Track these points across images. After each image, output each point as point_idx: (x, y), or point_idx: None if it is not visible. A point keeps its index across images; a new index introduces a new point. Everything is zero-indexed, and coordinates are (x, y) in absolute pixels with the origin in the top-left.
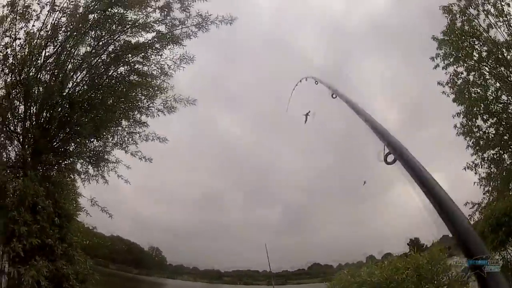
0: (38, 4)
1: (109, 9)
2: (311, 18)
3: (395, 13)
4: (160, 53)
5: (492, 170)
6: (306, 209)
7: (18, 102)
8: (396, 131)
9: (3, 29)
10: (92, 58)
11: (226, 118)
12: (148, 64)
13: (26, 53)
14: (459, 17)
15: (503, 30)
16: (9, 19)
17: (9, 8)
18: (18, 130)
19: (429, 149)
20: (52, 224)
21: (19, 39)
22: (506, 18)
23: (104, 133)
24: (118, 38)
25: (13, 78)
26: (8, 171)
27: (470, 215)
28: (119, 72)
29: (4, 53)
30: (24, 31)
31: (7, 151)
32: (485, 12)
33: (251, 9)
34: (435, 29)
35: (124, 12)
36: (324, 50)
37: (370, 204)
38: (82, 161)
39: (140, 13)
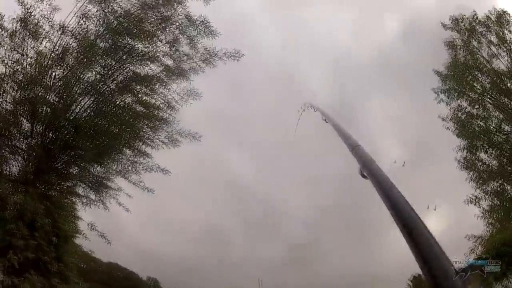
0: (50, 25)
1: (119, 39)
2: (317, 54)
3: (402, 49)
4: (167, 87)
5: (495, 202)
6: (309, 246)
7: (24, 120)
8: (402, 168)
9: (14, 44)
10: (100, 86)
11: (231, 153)
12: (154, 96)
13: (35, 72)
14: (462, 51)
15: (506, 59)
16: (20, 35)
17: (21, 24)
18: (23, 147)
19: (435, 185)
20: (49, 242)
21: (30, 57)
22: (509, 46)
23: (107, 160)
24: (127, 68)
25: (21, 95)
26: (10, 184)
27: (472, 249)
28: (125, 102)
29: (14, 69)
30: (35, 50)
31: (10, 165)
32: (487, 43)
33: (258, 46)
34: (442, 65)
35: (134, 43)
36: (330, 87)
37: (374, 240)
38: (83, 185)
39: (149, 45)
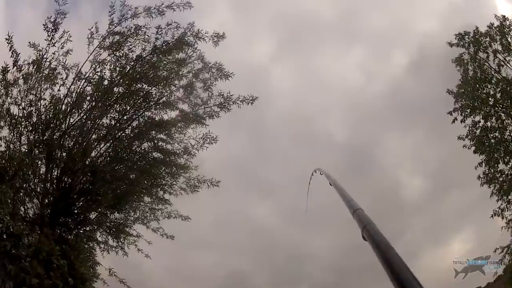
0: (63, 68)
1: (134, 84)
2: (330, 96)
3: (413, 79)
4: (183, 132)
5: None
6: None
7: (40, 162)
8: (422, 198)
9: (28, 86)
10: (116, 132)
11: (250, 197)
12: (171, 142)
13: (50, 115)
14: (471, 65)
15: None
16: (34, 77)
17: (34, 67)
18: (38, 190)
19: (459, 208)
20: (65, 283)
21: (44, 99)
22: None
23: (126, 207)
24: (143, 114)
25: (36, 137)
26: (25, 224)
27: (500, 259)
28: (142, 148)
29: (28, 110)
30: (50, 93)
31: (26, 207)
32: (493, 52)
33: (271, 92)
34: (455, 86)
35: (149, 88)
36: (346, 127)
37: None
38: (101, 230)
39: (164, 90)
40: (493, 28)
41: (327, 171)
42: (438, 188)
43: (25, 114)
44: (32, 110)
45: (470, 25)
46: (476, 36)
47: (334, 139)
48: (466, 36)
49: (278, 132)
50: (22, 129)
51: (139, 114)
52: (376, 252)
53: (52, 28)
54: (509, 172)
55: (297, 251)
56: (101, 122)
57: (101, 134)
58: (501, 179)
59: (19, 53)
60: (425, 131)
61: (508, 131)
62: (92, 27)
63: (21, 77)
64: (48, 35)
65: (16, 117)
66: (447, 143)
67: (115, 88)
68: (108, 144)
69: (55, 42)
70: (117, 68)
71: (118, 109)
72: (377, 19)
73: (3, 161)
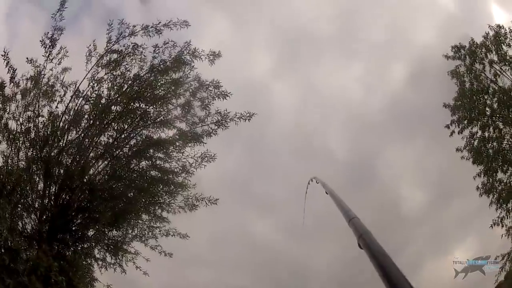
0: (61, 85)
1: (132, 103)
2: (330, 110)
3: (412, 92)
4: (181, 151)
5: None
6: None
7: (38, 178)
8: (424, 208)
9: (26, 102)
10: (114, 150)
11: (252, 216)
12: (169, 160)
13: (48, 132)
14: (467, 76)
15: (510, 74)
16: (32, 93)
17: (33, 83)
18: (36, 205)
19: (460, 217)
20: None
21: (42, 116)
22: (510, 61)
23: (124, 224)
24: (140, 132)
25: (34, 153)
26: (23, 239)
27: (501, 267)
28: (140, 166)
29: (26, 126)
30: (48, 110)
31: (23, 222)
32: (489, 62)
33: (271, 110)
34: (452, 98)
35: (146, 107)
36: (347, 141)
37: None
38: (99, 247)
39: (161, 109)
40: (488, 38)
41: (324, 180)
42: (439, 198)
43: (23, 130)
44: (30, 126)
45: (467, 35)
46: (472, 48)
47: (334, 152)
48: (462, 49)
49: (277, 146)
50: (20, 145)
51: (136, 132)
52: (372, 261)
53: (50, 44)
54: (508, 181)
55: (297, 265)
56: (99, 140)
57: (99, 152)
58: (499, 188)
59: (16, 69)
60: (425, 140)
61: (506, 140)
62: (90, 45)
63: (19, 92)
64: (46, 51)
65: (14, 132)
66: (447, 152)
67: (112, 107)
68: (106, 162)
69: (52, 58)
70: (115, 87)
71: (116, 128)
72: (376, 31)
73: (1, 176)
